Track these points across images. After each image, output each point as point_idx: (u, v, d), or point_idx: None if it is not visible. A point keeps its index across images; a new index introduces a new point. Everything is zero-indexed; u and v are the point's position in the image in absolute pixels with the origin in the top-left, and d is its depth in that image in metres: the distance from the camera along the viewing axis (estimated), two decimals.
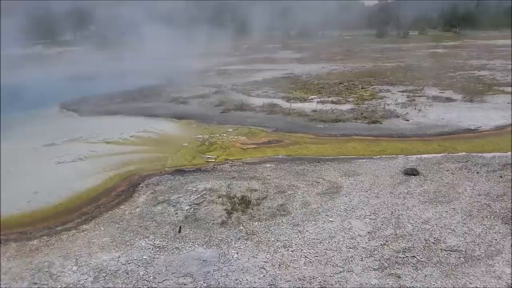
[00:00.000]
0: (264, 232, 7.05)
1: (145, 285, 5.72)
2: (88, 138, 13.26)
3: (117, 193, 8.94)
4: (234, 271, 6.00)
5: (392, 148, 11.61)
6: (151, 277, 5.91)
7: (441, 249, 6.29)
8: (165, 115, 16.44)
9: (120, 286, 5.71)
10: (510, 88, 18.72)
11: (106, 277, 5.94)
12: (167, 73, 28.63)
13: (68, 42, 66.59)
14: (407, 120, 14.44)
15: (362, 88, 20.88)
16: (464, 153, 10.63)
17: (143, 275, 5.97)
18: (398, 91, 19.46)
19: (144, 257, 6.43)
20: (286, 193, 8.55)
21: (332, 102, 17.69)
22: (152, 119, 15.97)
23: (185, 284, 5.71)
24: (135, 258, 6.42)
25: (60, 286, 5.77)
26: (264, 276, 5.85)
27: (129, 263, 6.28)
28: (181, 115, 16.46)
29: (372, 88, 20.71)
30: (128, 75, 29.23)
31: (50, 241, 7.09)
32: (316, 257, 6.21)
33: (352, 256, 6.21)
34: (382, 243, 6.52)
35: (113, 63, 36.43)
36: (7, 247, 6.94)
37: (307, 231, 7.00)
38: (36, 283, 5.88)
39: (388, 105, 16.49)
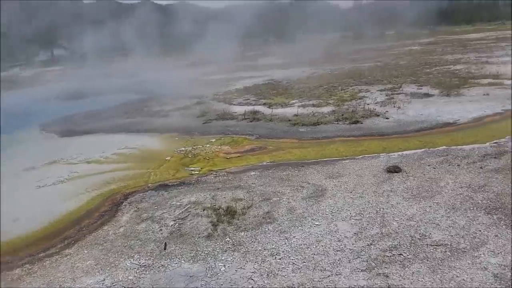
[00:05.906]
0: (250, 241, 6.98)
1: None
2: (68, 159, 13.02)
3: (100, 213, 8.75)
4: (222, 284, 5.90)
5: (374, 147, 11.74)
6: None
7: (427, 244, 6.34)
8: (147, 130, 16.30)
9: None
10: (490, 80, 19.19)
11: None
12: (147, 87, 28.52)
13: (45, 63, 65.99)
14: (387, 118, 14.61)
15: (342, 90, 21.12)
16: (444, 147, 10.83)
17: None
18: (377, 90, 19.74)
19: (130, 278, 6.27)
20: (271, 200, 8.51)
21: (313, 105, 17.85)
22: (134, 134, 15.83)
23: None
24: (121, 279, 6.25)
25: None
26: (252, 287, 5.78)
27: (114, 286, 6.11)
28: (163, 128, 16.34)
29: (352, 89, 20.98)
30: (108, 92, 29.05)
31: (33, 269, 6.87)
32: (304, 263, 6.17)
33: (340, 259, 6.19)
34: (369, 243, 6.53)
35: (93, 81, 36.07)
36: None
37: (293, 237, 6.96)
38: None
39: (368, 104, 16.71)
